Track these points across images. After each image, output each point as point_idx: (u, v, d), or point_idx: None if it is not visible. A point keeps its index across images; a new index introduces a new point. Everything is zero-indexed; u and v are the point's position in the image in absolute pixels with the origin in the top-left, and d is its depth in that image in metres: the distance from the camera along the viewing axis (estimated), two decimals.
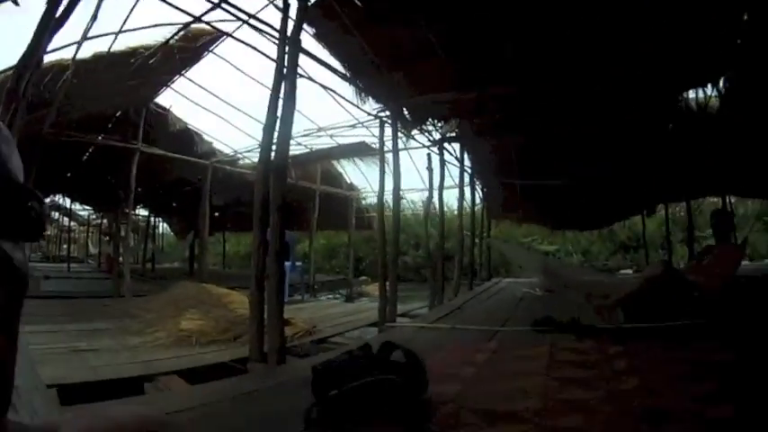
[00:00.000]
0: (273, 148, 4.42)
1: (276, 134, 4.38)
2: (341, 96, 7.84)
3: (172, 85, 10.86)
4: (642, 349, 3.48)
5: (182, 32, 8.17)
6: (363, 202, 17.92)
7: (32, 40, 3.60)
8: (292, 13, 4.79)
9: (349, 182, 16.98)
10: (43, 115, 6.99)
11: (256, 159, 12.30)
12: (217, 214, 14.06)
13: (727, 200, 10.90)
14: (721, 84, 7.27)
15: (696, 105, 8.20)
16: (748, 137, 7.90)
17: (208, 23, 7.01)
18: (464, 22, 6.18)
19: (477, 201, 12.79)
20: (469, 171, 11.46)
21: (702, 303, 3.93)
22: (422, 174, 11.01)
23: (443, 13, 6.05)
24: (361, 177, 16.20)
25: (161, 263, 19.01)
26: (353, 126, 10.19)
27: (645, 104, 8.02)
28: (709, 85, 7.44)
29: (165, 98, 11.61)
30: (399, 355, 2.35)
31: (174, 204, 18.90)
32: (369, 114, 8.44)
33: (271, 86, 4.50)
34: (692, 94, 8.13)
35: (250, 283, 4.23)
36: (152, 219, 21.52)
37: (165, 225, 24.79)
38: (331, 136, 12.15)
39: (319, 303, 11.85)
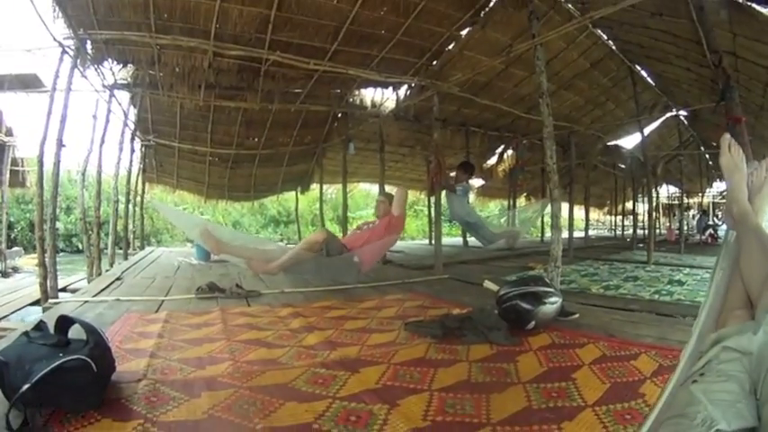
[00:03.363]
0: None
1: None
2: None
3: None
4: (312, 310, 3.97)
5: None
6: (17, 152, 13.37)
7: None
8: None
9: (7, 125, 12.55)
10: None
11: None
12: None
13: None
14: None
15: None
16: None
17: None
18: None
19: (135, 162, 11.81)
20: (133, 127, 10.48)
21: (359, 267, 4.53)
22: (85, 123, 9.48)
23: None
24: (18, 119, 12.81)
25: None
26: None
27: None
28: None
29: None
30: (78, 333, 2.11)
31: None
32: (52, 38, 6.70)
33: None
34: None
35: None
36: None
37: None
38: None
39: None
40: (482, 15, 7.21)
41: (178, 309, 4.10)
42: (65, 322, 2.15)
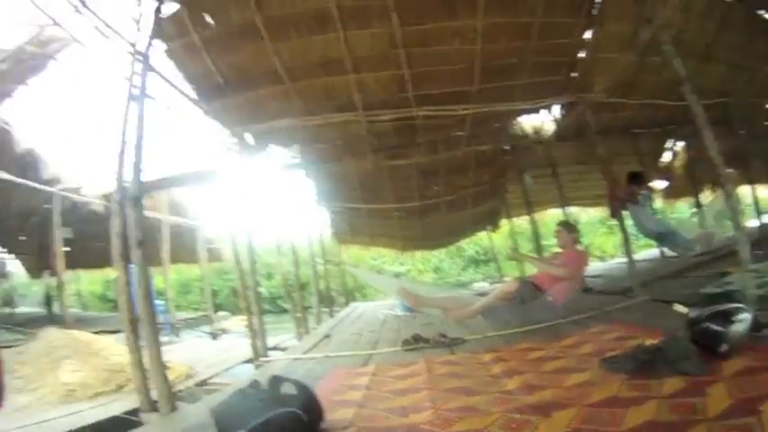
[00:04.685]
0: (126, 176, 4.24)
1: (128, 161, 4.25)
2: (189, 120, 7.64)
3: (15, 96, 9.61)
4: (513, 353, 4.01)
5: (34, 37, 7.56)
6: (207, 232, 16.61)
7: None
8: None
9: (195, 211, 15.88)
10: None
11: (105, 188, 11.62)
12: (68, 249, 12.53)
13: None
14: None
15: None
16: None
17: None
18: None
19: (326, 227, 13.02)
20: (316, 198, 11.62)
21: (554, 306, 4.59)
22: (268, 202, 11.07)
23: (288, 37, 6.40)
24: (207, 206, 15.61)
25: (18, 306, 16.68)
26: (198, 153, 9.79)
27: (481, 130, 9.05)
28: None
29: (6, 111, 10.20)
30: (288, 389, 2.45)
31: (23, 238, 16.64)
32: (215, 140, 8.14)
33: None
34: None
35: (115, 326, 4.04)
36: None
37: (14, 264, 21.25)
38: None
39: (186, 343, 11.37)
40: (595, 13, 6.78)
41: (385, 361, 4.33)
42: (277, 380, 2.51)
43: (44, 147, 11.80)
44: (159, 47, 6.03)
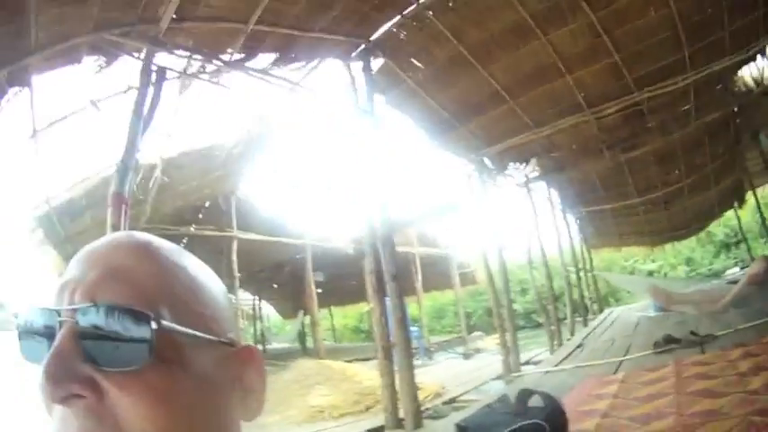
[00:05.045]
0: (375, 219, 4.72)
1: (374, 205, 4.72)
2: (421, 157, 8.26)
3: (256, 171, 11.61)
4: (763, 347, 3.57)
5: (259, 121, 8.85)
6: (462, 258, 17.64)
7: (127, 143, 3.86)
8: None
9: (445, 240, 16.88)
10: (138, 212, 7.55)
11: (351, 233, 13.06)
12: (320, 290, 14.49)
13: None
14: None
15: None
16: None
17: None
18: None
19: (575, 234, 12.62)
20: (561, 206, 11.43)
21: None
22: (514, 219, 11.13)
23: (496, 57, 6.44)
24: (452, 234, 16.39)
25: (271, 343, 19.48)
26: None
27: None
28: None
29: (251, 183, 12.42)
30: (536, 401, 2.38)
31: (275, 285, 19.54)
32: (455, 170, 8.66)
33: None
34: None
35: (366, 355, 4.37)
36: (255, 301, 22.16)
37: (266, 307, 25.22)
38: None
39: (439, 364, 11.83)
40: None
41: (636, 367, 4.12)
42: (525, 393, 2.44)
43: (286, 209, 13.83)
44: (378, 100, 6.44)
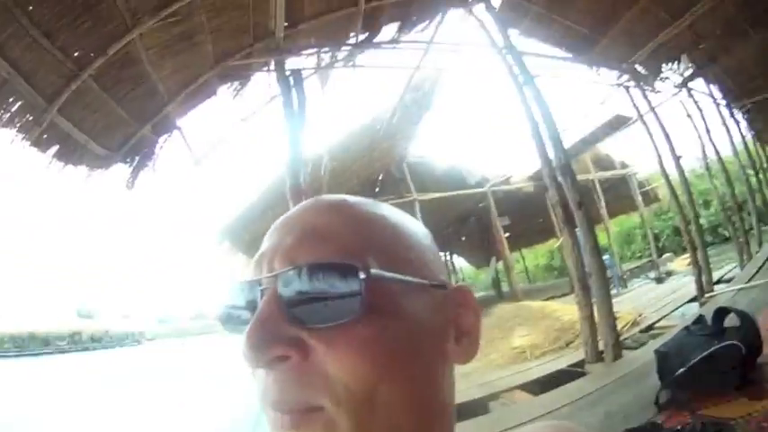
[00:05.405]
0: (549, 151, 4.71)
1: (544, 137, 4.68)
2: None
3: (423, 132, 11.68)
4: None
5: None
6: (636, 177, 16.04)
7: (290, 142, 4.28)
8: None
9: (620, 161, 15.66)
10: None
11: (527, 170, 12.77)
12: (507, 234, 14.31)
13: None
14: None
15: None
16: None
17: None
18: None
19: (744, 133, 11.04)
20: (724, 103, 9.99)
21: None
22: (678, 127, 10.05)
23: None
24: (626, 152, 15.26)
25: None
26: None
27: None
28: None
29: (420, 145, 12.62)
30: (732, 320, 2.33)
31: (463, 238, 19.84)
32: (607, 87, 8.15)
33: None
34: None
35: (562, 291, 4.36)
36: (446, 257, 22.17)
37: (457, 261, 25.56)
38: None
39: (633, 292, 11.37)
40: None
41: None
42: (721, 312, 2.42)
43: (461, 161, 13.82)
44: (513, 35, 6.31)
